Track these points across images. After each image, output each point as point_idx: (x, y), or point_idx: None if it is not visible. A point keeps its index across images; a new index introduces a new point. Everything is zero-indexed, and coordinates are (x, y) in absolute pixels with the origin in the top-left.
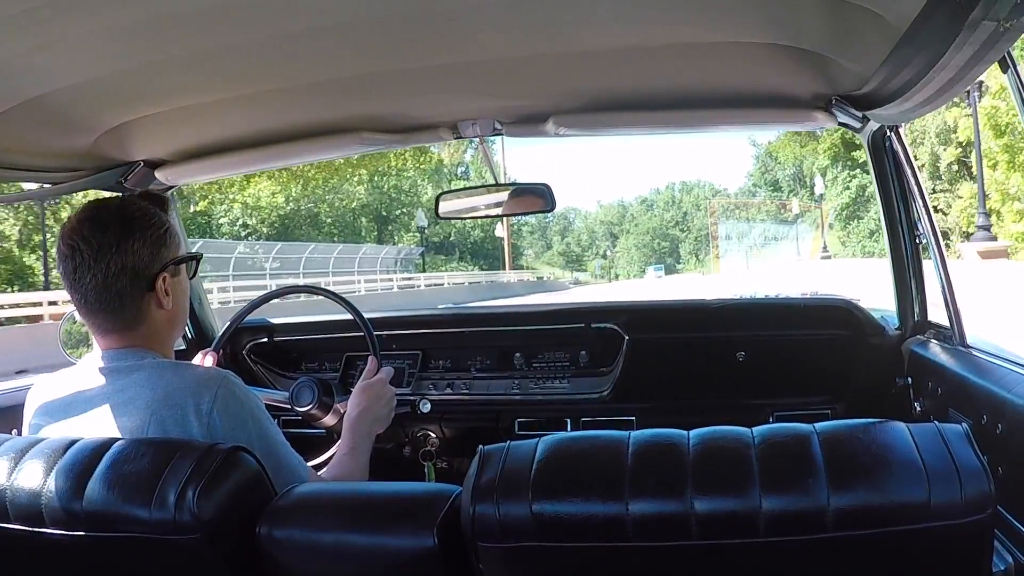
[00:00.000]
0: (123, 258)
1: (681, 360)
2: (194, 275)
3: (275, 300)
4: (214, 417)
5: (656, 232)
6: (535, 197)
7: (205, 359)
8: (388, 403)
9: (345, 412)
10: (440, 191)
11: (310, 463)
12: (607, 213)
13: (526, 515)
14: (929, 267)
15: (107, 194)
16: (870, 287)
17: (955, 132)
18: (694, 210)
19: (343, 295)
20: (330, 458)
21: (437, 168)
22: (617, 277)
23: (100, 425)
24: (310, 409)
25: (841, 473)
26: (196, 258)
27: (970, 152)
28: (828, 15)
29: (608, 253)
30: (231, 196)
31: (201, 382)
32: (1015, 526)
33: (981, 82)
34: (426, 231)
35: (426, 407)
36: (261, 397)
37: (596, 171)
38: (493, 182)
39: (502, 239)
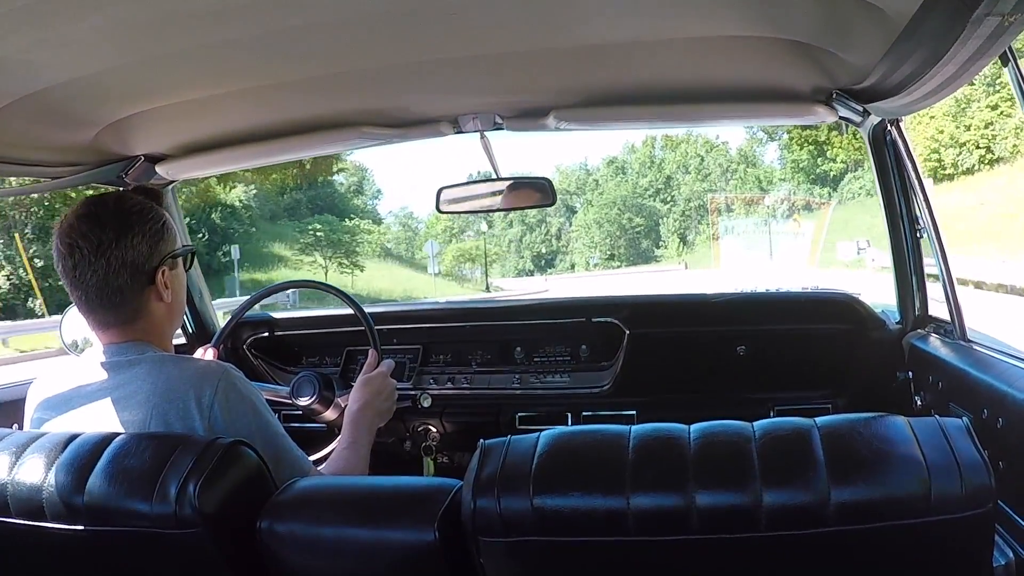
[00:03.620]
0: (123, 253)
1: (682, 354)
2: (190, 267)
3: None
4: (215, 410)
5: (626, 203)
6: (535, 191)
7: (205, 354)
8: (389, 396)
9: (346, 406)
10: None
11: (311, 458)
12: (566, 179)
13: (527, 509)
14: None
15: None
16: None
17: None
18: (681, 173)
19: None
20: (330, 453)
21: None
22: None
23: (102, 419)
24: (311, 403)
25: (842, 467)
26: (193, 251)
27: None
28: (828, 9)
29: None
30: None
31: (202, 375)
32: (1016, 520)
33: None
34: None
35: (427, 401)
36: (262, 392)
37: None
38: (494, 175)
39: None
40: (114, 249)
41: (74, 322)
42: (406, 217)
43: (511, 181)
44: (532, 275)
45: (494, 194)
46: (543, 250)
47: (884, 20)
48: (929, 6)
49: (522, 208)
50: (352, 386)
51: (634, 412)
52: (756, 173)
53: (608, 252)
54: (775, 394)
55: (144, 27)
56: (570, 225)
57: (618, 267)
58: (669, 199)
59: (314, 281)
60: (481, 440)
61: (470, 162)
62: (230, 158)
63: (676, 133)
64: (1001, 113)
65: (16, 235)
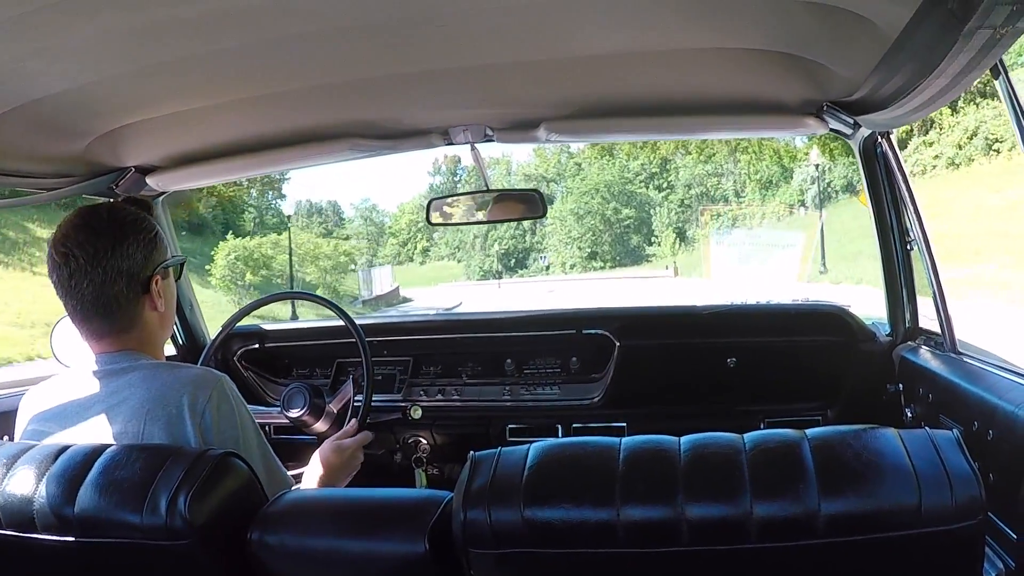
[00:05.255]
0: (118, 262)
1: (672, 366)
2: (179, 277)
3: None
4: (207, 416)
5: (611, 189)
6: (523, 203)
7: None
8: (352, 470)
9: (336, 414)
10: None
11: (290, 473)
12: (544, 163)
13: (517, 521)
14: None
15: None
16: None
17: None
18: (680, 154)
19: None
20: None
21: None
22: None
23: (98, 428)
24: (301, 415)
25: (832, 479)
26: (183, 261)
27: None
28: (819, 21)
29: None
30: None
31: (197, 380)
32: (1006, 532)
33: None
34: None
35: (417, 413)
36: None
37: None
38: (484, 187)
39: None
40: (110, 258)
41: (65, 334)
42: (368, 210)
43: (500, 193)
44: (500, 277)
45: (483, 205)
46: (512, 247)
47: (875, 32)
48: (920, 19)
49: (510, 220)
50: (328, 435)
51: (624, 424)
52: (774, 145)
53: (589, 249)
54: (765, 406)
55: (136, 38)
56: (547, 219)
57: (601, 268)
58: (665, 186)
59: (307, 293)
60: (471, 452)
61: (436, 153)
62: (221, 169)
63: None
64: None
65: None
